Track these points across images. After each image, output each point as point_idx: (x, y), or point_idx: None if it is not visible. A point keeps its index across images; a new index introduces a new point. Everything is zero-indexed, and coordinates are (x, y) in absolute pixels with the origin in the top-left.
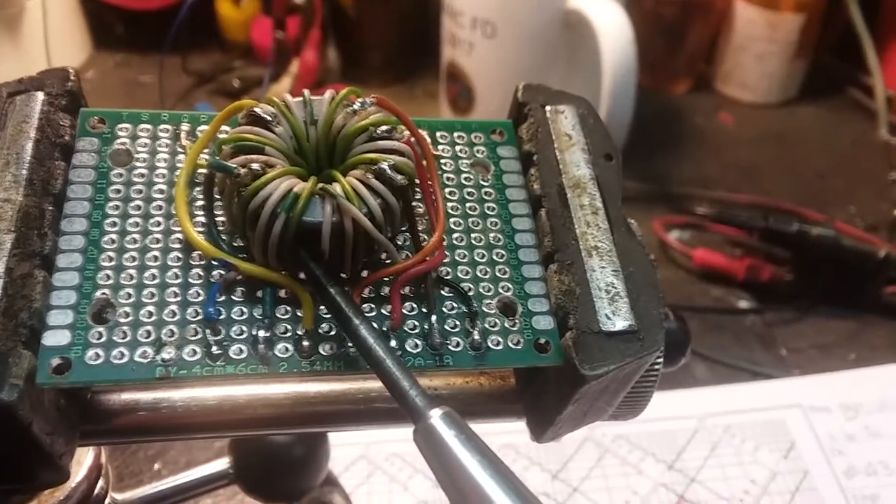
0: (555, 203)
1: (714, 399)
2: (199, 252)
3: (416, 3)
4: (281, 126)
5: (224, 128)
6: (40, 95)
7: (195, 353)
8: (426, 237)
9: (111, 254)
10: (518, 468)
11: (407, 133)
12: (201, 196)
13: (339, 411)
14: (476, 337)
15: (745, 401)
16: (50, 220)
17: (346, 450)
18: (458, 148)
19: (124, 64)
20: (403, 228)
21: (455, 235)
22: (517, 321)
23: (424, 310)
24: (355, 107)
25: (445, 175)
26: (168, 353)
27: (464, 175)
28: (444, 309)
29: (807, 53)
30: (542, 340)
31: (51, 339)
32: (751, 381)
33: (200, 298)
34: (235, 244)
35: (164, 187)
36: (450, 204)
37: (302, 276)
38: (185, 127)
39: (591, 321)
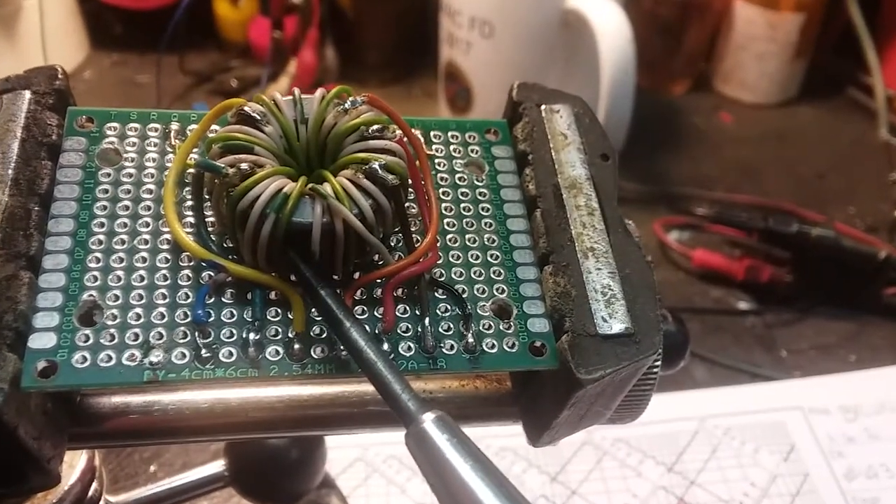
0: (550, 204)
1: (714, 401)
2: (188, 253)
3: (414, 2)
4: (270, 125)
5: (214, 127)
6: (27, 94)
7: (184, 356)
8: (419, 238)
9: (98, 255)
10: (517, 470)
11: (400, 132)
12: (190, 196)
13: (333, 415)
14: (470, 340)
15: (745, 403)
16: (36, 220)
17: (344, 452)
18: (452, 147)
19: (121, 63)
20: (396, 229)
21: (449, 236)
22: (512, 324)
23: (417, 312)
24: (346, 105)
25: (439, 175)
26: (156, 357)
27: (458, 175)
28: (438, 311)
29: (806, 53)
30: (538, 343)
31: (36, 341)
32: (751, 383)
33: (189, 300)
34: (225, 245)
35: (152, 187)
36: (444, 204)
37: (293, 277)
38: (174, 126)
39: (587, 324)
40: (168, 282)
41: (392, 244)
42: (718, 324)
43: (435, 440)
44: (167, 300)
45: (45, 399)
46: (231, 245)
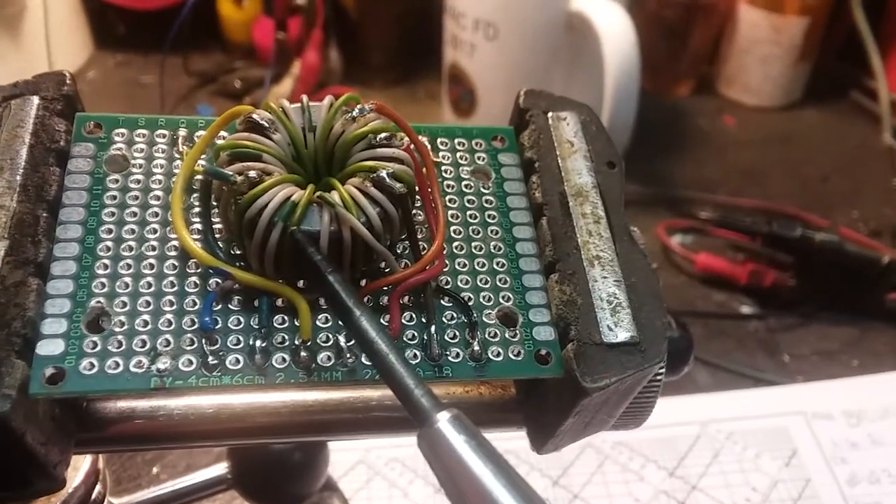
0: (556, 211)
1: (716, 405)
2: (196, 260)
3: (417, 4)
4: (279, 133)
5: (222, 133)
6: (35, 100)
7: (191, 363)
8: (426, 245)
9: (106, 261)
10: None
11: (407, 140)
12: (198, 203)
13: (338, 420)
14: (476, 348)
15: (747, 407)
16: (44, 226)
17: (346, 455)
18: (458, 154)
19: (125, 64)
20: (403, 237)
21: (455, 244)
22: (518, 332)
23: (424, 320)
24: (354, 113)
25: (446, 182)
26: (163, 364)
27: (464, 182)
28: (444, 319)
29: (810, 57)
30: (543, 352)
31: (44, 348)
32: (753, 388)
33: (197, 307)
34: (233, 252)
35: (160, 193)
36: (450, 212)
37: (300, 284)
38: (182, 132)
39: (592, 332)
40: (175, 288)
41: (399, 251)
42: (721, 328)
43: (452, 442)
44: (174, 307)
45: (53, 405)
46: (238, 252)
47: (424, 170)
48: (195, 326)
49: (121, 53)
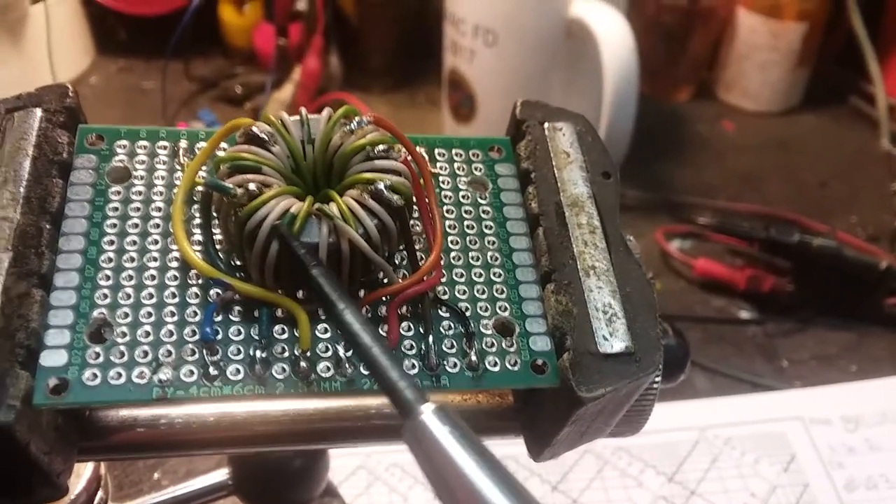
0: (552, 222)
1: (714, 411)
2: (197, 271)
3: (418, 9)
4: (278, 145)
5: (223, 145)
6: (38, 112)
7: (192, 373)
8: (423, 256)
9: (108, 272)
10: (518, 479)
11: (405, 151)
12: (199, 214)
13: (339, 428)
14: (473, 358)
15: (745, 412)
16: (47, 238)
17: (346, 460)
18: (456, 165)
19: (127, 69)
20: (401, 247)
21: (452, 254)
22: (514, 342)
23: (422, 330)
24: (352, 126)
25: (443, 193)
26: (165, 374)
27: (461, 193)
28: (442, 329)
29: (809, 62)
30: (540, 361)
31: (48, 359)
32: (752, 393)
33: (198, 318)
34: (233, 262)
35: (161, 205)
36: (447, 222)
37: (300, 295)
38: (183, 144)
39: (588, 342)
40: (177, 299)
41: (397, 262)
42: (720, 333)
43: (436, 434)
44: (176, 317)
45: (56, 415)
46: (239, 263)
47: (422, 181)
48: (196, 337)
49: (122, 59)
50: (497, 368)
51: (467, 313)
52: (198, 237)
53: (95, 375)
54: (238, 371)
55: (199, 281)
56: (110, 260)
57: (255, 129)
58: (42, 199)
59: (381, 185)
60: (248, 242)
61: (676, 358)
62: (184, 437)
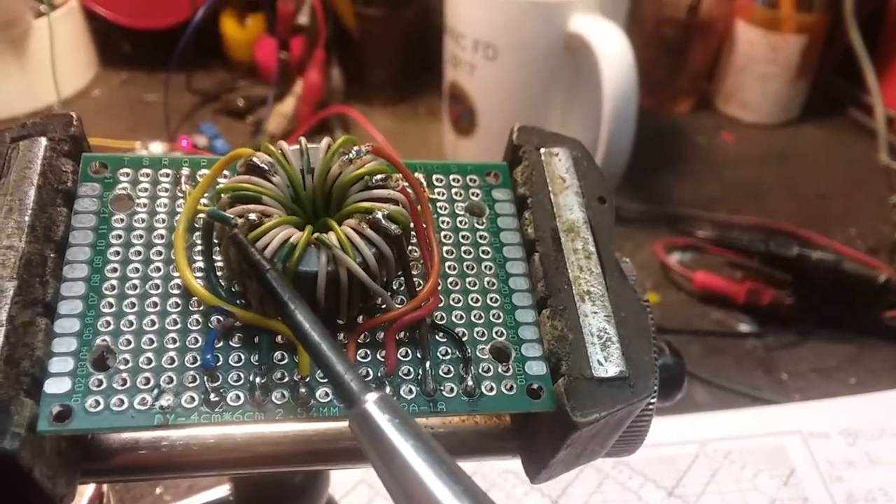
0: (548, 247)
1: (714, 424)
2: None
3: (418, 23)
4: (278, 175)
5: (224, 172)
6: (43, 141)
7: (193, 399)
8: (421, 281)
9: (111, 300)
10: (518, 493)
11: (402, 180)
12: (200, 241)
13: (339, 449)
14: (469, 383)
15: (745, 426)
16: (52, 266)
17: (347, 474)
18: (453, 191)
19: (130, 82)
20: (399, 273)
21: (450, 280)
22: (510, 366)
23: (419, 355)
24: (351, 155)
25: (441, 218)
26: (166, 401)
27: (459, 218)
28: (439, 354)
29: (808, 74)
30: (535, 386)
31: (52, 386)
32: (751, 406)
33: (199, 345)
34: (234, 289)
35: (164, 232)
36: (445, 247)
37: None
38: (185, 171)
39: (583, 367)
40: (178, 326)
41: (395, 287)
42: (719, 346)
43: (378, 421)
44: (177, 344)
45: (60, 440)
46: (239, 290)
47: (419, 207)
48: (197, 364)
49: (125, 72)
50: (493, 393)
51: (464, 338)
52: (199, 264)
53: (98, 402)
54: (238, 397)
55: (201, 308)
56: (113, 287)
57: (255, 159)
58: (47, 227)
59: (378, 215)
60: (248, 271)
61: (673, 376)
62: (185, 460)
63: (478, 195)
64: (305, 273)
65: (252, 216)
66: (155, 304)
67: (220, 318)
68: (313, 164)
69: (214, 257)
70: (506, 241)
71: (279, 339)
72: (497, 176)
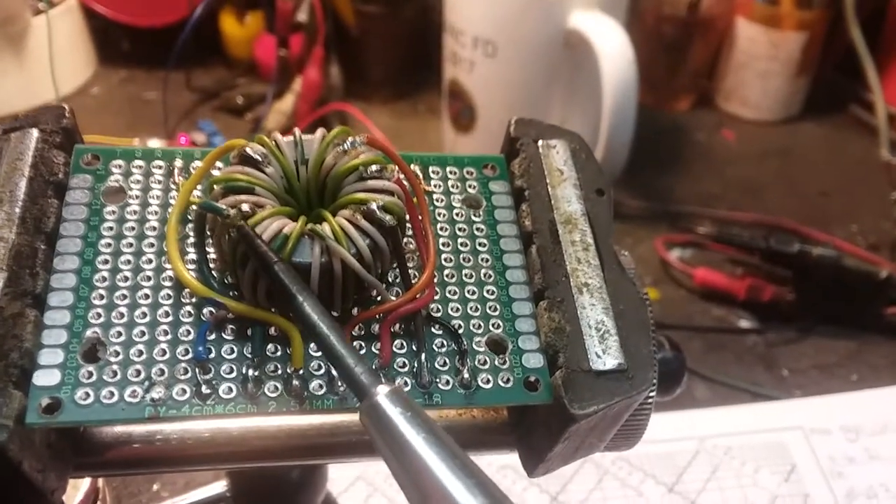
0: (546, 239)
1: (714, 420)
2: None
3: (418, 20)
4: (271, 166)
5: (217, 164)
6: (35, 132)
7: (185, 392)
8: (417, 273)
9: (102, 292)
10: (517, 489)
11: (398, 171)
12: (193, 233)
13: (335, 443)
14: (466, 375)
15: (745, 422)
16: (42, 258)
17: (345, 471)
18: (450, 183)
19: (129, 80)
20: (394, 265)
21: (446, 272)
22: (507, 359)
23: (414, 347)
24: (345, 146)
25: (437, 210)
26: (157, 393)
27: (455, 210)
28: (434, 347)
29: (809, 71)
30: (532, 378)
31: (41, 378)
32: (752, 403)
33: (191, 337)
34: (226, 281)
35: (156, 224)
36: (441, 239)
37: (292, 314)
38: (178, 163)
39: (580, 359)
40: (170, 318)
41: (390, 279)
42: (720, 342)
43: (389, 414)
44: (169, 336)
45: (50, 433)
46: (232, 281)
47: (415, 199)
48: (189, 356)
49: (124, 69)
50: (490, 386)
51: (460, 331)
52: (192, 255)
53: (88, 395)
54: (230, 390)
55: (193, 299)
56: (104, 279)
57: (248, 150)
58: (37, 219)
59: (373, 206)
60: (241, 263)
61: (672, 370)
62: (179, 454)
63: (475, 187)
64: (299, 264)
65: (245, 207)
66: (146, 296)
67: (213, 310)
68: (307, 155)
69: (207, 249)
70: (503, 233)
71: (272, 331)
72: (494, 168)
